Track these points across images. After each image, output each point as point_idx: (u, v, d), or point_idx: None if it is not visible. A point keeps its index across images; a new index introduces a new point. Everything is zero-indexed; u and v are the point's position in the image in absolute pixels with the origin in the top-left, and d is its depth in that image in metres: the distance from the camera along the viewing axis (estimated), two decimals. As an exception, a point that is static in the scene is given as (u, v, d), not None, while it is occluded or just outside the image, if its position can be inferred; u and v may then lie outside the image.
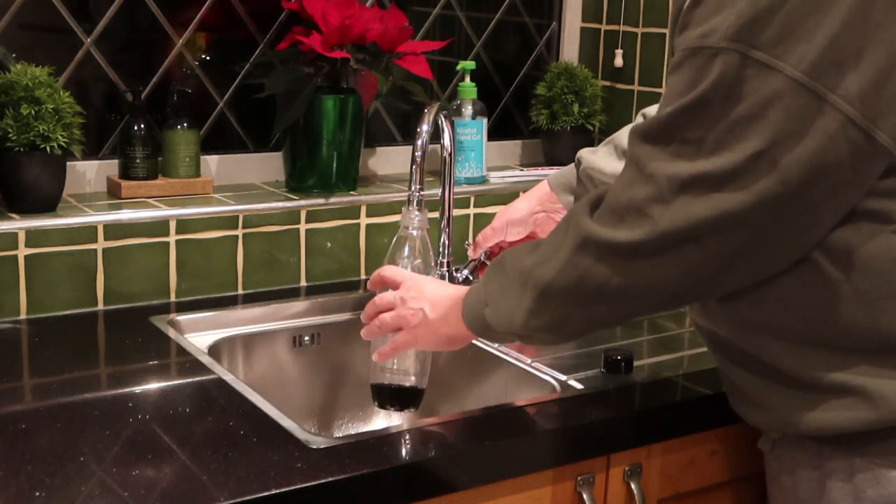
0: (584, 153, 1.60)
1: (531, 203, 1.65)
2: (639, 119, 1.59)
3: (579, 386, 1.47)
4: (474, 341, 1.50)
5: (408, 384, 1.42)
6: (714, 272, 1.09)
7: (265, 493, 1.09)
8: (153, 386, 1.42)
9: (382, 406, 1.44)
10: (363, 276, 1.92)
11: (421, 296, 1.32)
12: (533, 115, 2.26)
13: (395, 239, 1.44)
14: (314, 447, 1.20)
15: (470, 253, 1.69)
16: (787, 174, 1.02)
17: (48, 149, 1.63)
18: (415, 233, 1.43)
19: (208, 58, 1.94)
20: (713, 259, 1.08)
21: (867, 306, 1.09)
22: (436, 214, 1.64)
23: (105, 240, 1.67)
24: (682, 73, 1.07)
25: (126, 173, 1.79)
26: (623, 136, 1.58)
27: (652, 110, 1.56)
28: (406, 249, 1.42)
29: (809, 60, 1.01)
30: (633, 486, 1.37)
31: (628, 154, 1.13)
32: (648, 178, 1.08)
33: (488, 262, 1.68)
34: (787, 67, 1.01)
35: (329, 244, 1.88)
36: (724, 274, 1.10)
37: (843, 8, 1.01)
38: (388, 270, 1.38)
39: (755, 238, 1.06)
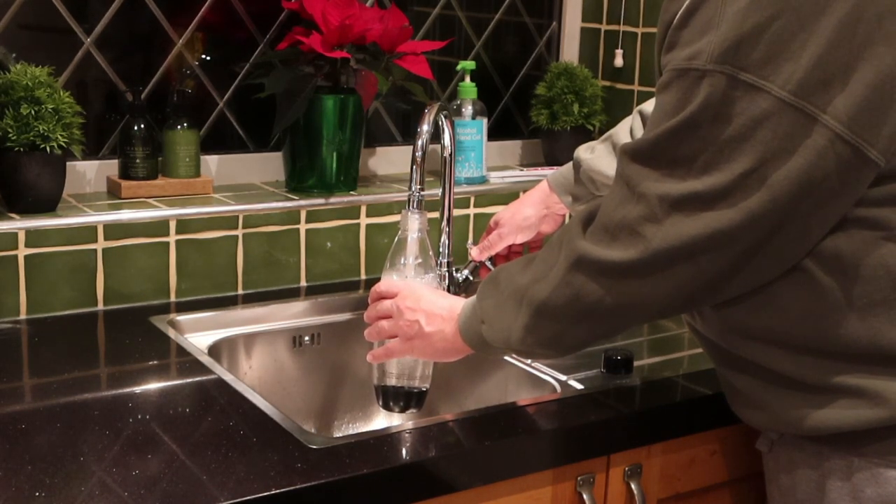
0: (583, 153, 1.60)
1: (538, 208, 1.66)
2: (635, 116, 1.59)
3: (579, 386, 1.47)
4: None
5: (411, 386, 1.42)
6: (706, 286, 1.11)
7: (265, 493, 1.09)
8: (153, 386, 1.42)
9: (387, 407, 1.44)
10: (363, 276, 1.92)
11: (417, 306, 1.33)
12: (533, 115, 2.26)
13: (395, 241, 1.44)
14: (314, 447, 1.20)
15: (474, 255, 1.69)
16: (777, 191, 1.04)
17: (48, 149, 1.63)
18: (415, 235, 1.43)
19: (208, 58, 1.94)
20: (705, 274, 1.09)
21: (860, 312, 1.10)
22: (436, 214, 1.64)
23: (105, 240, 1.67)
24: (669, 94, 1.08)
25: (126, 173, 1.79)
26: (620, 132, 1.58)
27: (649, 107, 1.56)
28: (406, 252, 1.42)
29: (796, 80, 1.02)
30: (633, 486, 1.37)
31: (618, 172, 1.14)
32: (640, 198, 1.09)
33: (489, 263, 1.69)
34: (775, 88, 1.02)
35: (329, 244, 1.88)
36: (717, 287, 1.11)
37: (828, 27, 1.01)
38: (383, 285, 1.39)
39: (746, 253, 1.07)
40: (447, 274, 1.66)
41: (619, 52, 2.26)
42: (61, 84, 1.75)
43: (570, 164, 1.64)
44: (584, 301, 1.14)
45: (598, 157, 1.57)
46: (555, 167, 2.15)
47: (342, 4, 1.83)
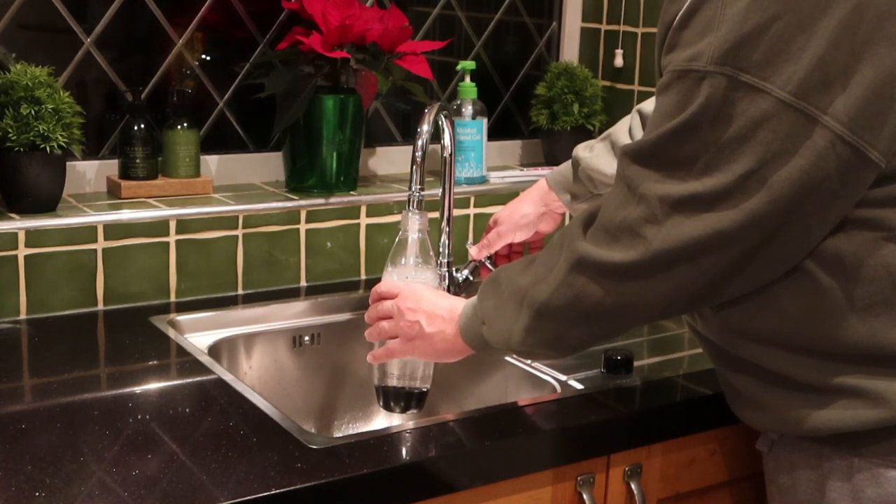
0: (582, 152, 1.60)
1: (536, 206, 1.66)
2: (634, 116, 1.59)
3: (579, 386, 1.47)
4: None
5: (412, 386, 1.42)
6: (707, 287, 1.11)
7: (265, 493, 1.09)
8: (153, 386, 1.42)
9: (388, 408, 1.44)
10: (363, 277, 1.92)
11: (418, 307, 1.33)
12: (533, 115, 2.26)
13: (395, 242, 1.44)
14: (314, 447, 1.20)
15: (474, 254, 1.69)
16: (778, 192, 1.04)
17: (48, 149, 1.63)
18: (415, 235, 1.43)
19: (208, 58, 1.94)
20: (706, 275, 1.09)
21: (861, 313, 1.10)
22: (436, 214, 1.64)
23: (105, 240, 1.67)
24: (670, 95, 1.08)
25: (126, 173, 1.79)
26: (619, 131, 1.58)
27: (648, 106, 1.56)
28: (406, 252, 1.42)
29: (797, 81, 1.02)
30: (633, 486, 1.37)
31: (618, 173, 1.14)
32: (640, 199, 1.09)
33: (488, 263, 1.69)
34: (775, 89, 1.02)
35: (329, 244, 1.88)
36: (718, 288, 1.11)
37: (828, 28, 1.01)
38: (384, 285, 1.39)
39: (747, 254, 1.08)
40: (447, 274, 1.66)
41: (619, 52, 2.26)
42: (61, 84, 1.75)
43: (568, 163, 1.64)
44: (585, 302, 1.14)
45: (596, 155, 1.57)
46: (555, 167, 2.16)
47: (342, 4, 1.83)
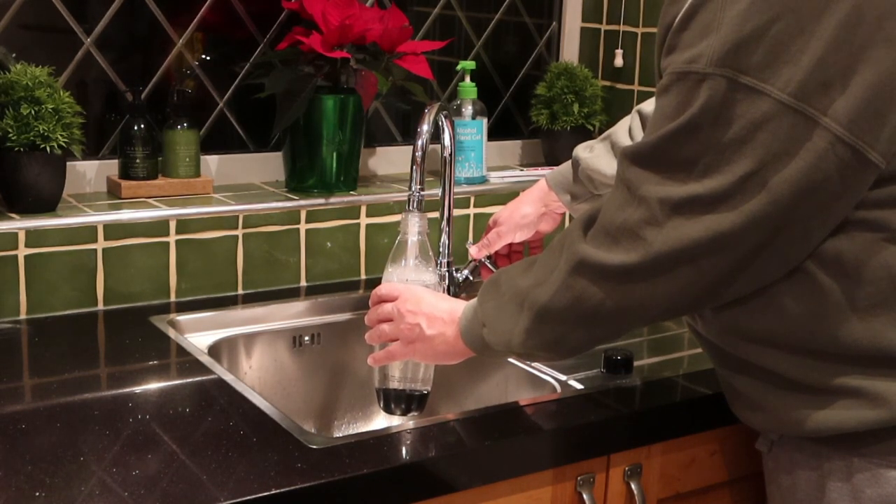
0: (582, 152, 1.60)
1: (537, 206, 1.67)
2: (634, 116, 1.59)
3: (579, 386, 1.47)
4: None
5: (413, 389, 1.42)
6: (708, 289, 1.11)
7: (265, 493, 1.09)
8: (153, 386, 1.42)
9: (388, 410, 1.44)
10: (363, 276, 1.92)
11: (418, 310, 1.33)
12: (533, 115, 2.26)
13: (395, 244, 1.44)
14: (314, 447, 1.20)
15: (473, 254, 1.69)
16: (778, 194, 1.04)
17: (48, 149, 1.63)
18: (414, 238, 1.43)
19: (208, 58, 1.94)
20: (706, 277, 1.09)
21: (861, 314, 1.10)
22: (436, 214, 1.64)
23: (105, 240, 1.67)
24: (669, 97, 1.08)
25: (126, 173, 1.79)
26: (619, 131, 1.59)
27: (648, 107, 1.56)
28: (406, 254, 1.42)
29: (796, 82, 1.02)
30: (633, 486, 1.37)
31: (619, 175, 1.14)
32: (640, 201, 1.09)
33: (488, 263, 1.69)
34: (774, 91, 1.02)
35: (329, 244, 1.88)
36: (718, 289, 1.12)
37: (828, 29, 1.01)
38: (384, 288, 1.39)
39: (747, 255, 1.08)
40: (447, 274, 1.67)
41: (619, 52, 2.26)
42: (61, 84, 1.75)
43: (568, 163, 1.64)
44: (586, 304, 1.14)
45: (596, 156, 1.58)
46: (554, 167, 2.16)
47: (342, 4, 1.83)
